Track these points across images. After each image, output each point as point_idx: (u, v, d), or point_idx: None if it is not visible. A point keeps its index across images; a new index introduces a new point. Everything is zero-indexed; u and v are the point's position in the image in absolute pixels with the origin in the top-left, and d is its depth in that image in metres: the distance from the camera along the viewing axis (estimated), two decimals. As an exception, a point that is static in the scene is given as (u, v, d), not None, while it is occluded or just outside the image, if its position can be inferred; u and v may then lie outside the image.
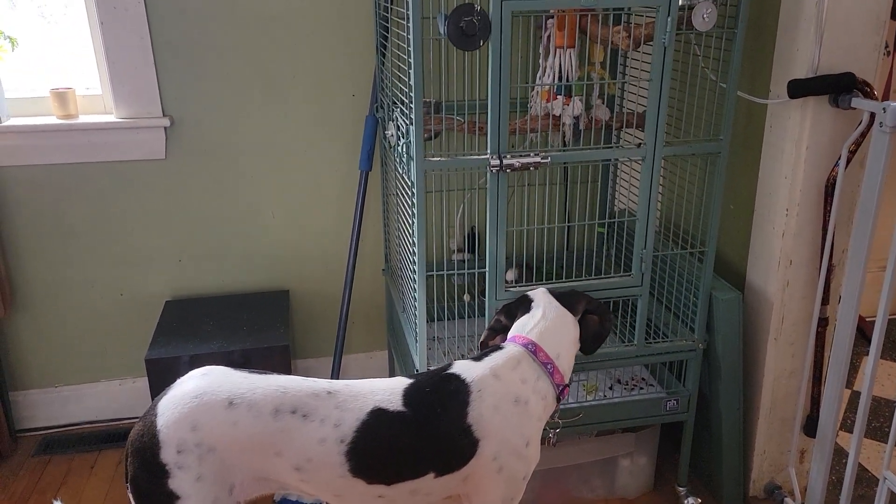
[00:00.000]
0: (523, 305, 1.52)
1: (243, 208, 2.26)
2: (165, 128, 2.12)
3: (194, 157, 2.18)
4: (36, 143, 2.07)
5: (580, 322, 1.51)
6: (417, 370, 1.73)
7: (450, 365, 1.40)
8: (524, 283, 1.69)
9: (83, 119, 2.09)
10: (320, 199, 2.30)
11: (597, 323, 1.52)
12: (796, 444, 1.92)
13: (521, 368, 1.40)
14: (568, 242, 2.35)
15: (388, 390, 1.33)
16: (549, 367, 1.42)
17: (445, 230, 2.18)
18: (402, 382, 1.36)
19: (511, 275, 1.94)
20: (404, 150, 1.63)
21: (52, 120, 2.07)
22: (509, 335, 1.48)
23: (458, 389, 1.34)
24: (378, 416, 1.29)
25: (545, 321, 1.47)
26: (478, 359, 1.41)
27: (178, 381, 1.29)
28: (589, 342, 1.52)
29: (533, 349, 1.42)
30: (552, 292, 1.54)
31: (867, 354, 1.60)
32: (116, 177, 2.15)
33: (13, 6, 2.10)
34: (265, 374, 1.31)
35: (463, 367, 1.38)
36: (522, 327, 1.47)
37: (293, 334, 2.42)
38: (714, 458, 2.00)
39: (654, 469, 2.05)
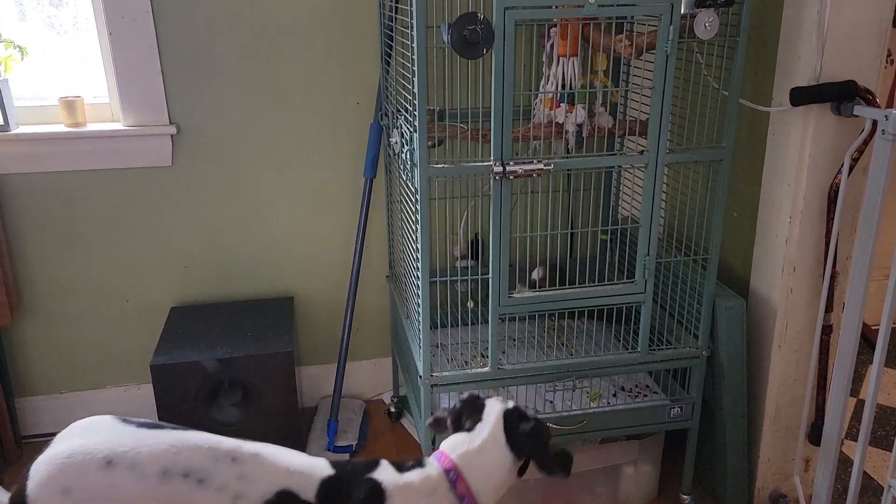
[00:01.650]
0: (472, 417, 1.39)
1: (248, 215, 2.28)
2: (172, 135, 2.14)
3: (200, 165, 2.20)
4: (44, 151, 2.09)
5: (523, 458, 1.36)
6: (421, 377, 1.73)
7: (377, 463, 1.32)
8: (538, 289, 1.70)
9: (91, 127, 2.11)
10: (325, 207, 2.32)
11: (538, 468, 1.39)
12: (801, 452, 1.92)
13: (435, 497, 1.30)
14: (571, 249, 2.36)
15: (304, 475, 1.24)
16: (465, 502, 1.32)
17: (449, 237, 2.19)
18: (322, 470, 1.27)
19: (537, 273, 1.94)
20: (408, 156, 1.64)
21: (61, 128, 2.09)
22: (439, 448, 1.38)
23: (371, 497, 1.27)
24: (285, 501, 1.20)
25: (478, 448, 1.34)
26: (402, 469, 1.33)
27: (59, 435, 1.19)
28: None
29: (454, 478, 1.32)
30: (515, 411, 1.38)
31: (871, 363, 1.60)
32: (123, 184, 2.17)
33: (23, 17, 2.12)
34: (162, 428, 1.20)
35: (386, 475, 1.30)
36: (453, 447, 1.36)
37: (297, 341, 2.43)
38: (718, 465, 1.99)
39: (658, 477, 2.04)
